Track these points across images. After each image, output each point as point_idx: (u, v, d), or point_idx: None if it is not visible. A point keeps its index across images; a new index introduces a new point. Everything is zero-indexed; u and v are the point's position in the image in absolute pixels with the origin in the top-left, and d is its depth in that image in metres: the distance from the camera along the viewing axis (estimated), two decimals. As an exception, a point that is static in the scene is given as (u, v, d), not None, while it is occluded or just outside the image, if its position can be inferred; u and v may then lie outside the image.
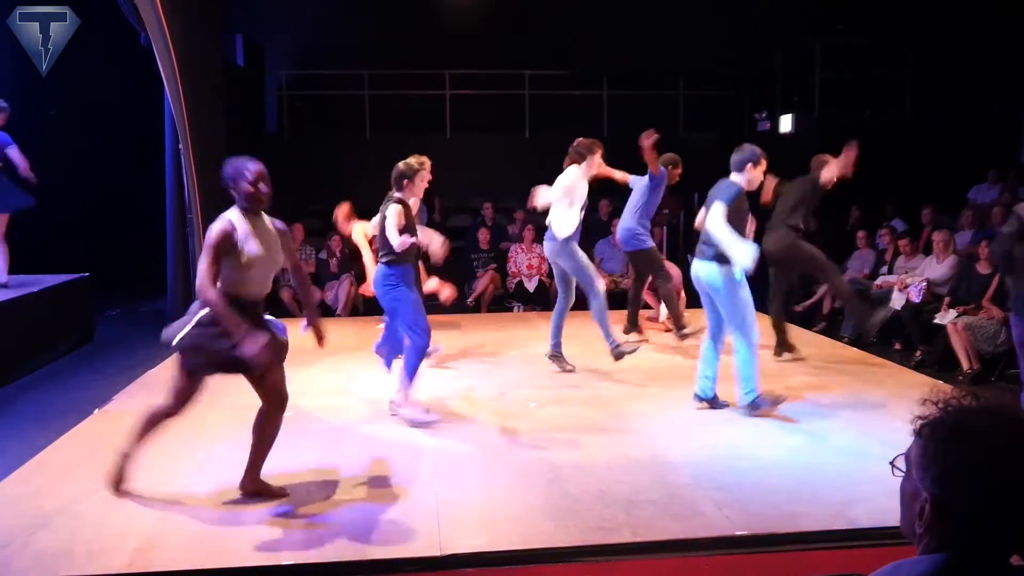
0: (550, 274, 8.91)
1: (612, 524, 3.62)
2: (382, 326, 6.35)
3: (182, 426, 4.75)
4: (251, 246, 3.68)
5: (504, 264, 10.06)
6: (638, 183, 7.01)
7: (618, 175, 7.00)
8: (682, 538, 3.51)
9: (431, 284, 6.12)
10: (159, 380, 5.19)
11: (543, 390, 5.89)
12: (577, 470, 4.27)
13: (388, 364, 5.83)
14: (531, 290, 9.82)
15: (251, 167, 3.75)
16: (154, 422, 3.88)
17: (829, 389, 5.83)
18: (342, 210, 6.98)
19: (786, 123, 12.41)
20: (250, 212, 3.75)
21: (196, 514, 3.76)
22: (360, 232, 6.78)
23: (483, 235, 10.20)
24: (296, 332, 4.14)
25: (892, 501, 1.47)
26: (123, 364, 6.70)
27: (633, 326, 7.43)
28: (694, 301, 5.77)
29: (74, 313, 7.72)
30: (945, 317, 6.86)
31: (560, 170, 6.20)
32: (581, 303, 6.41)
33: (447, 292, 6.04)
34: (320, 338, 4.11)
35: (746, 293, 5.10)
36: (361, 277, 8.56)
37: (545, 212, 6.30)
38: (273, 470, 4.04)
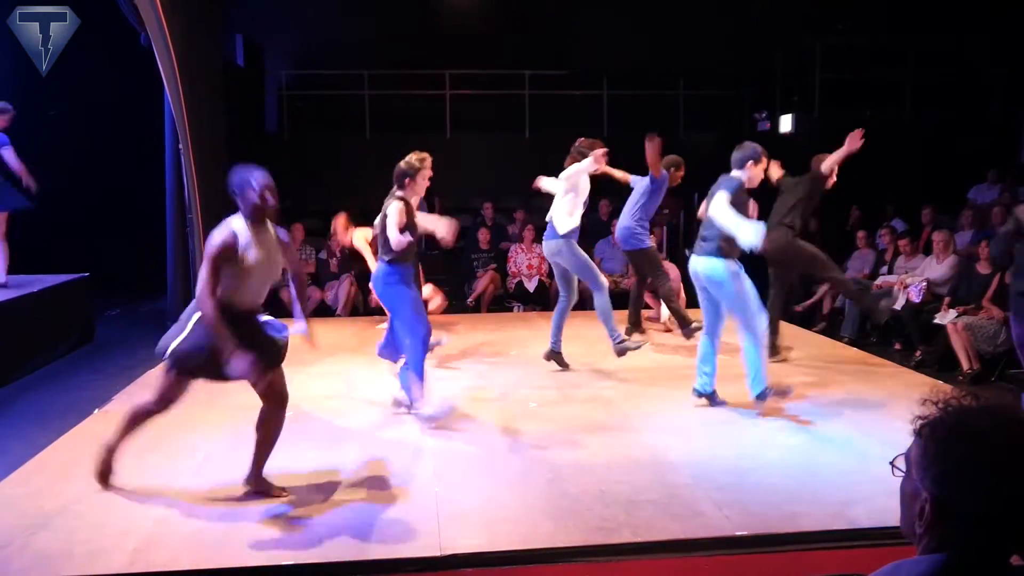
0: (550, 274, 8.91)
1: (612, 524, 3.62)
2: (383, 326, 6.36)
3: (182, 426, 4.77)
4: (251, 257, 3.69)
5: (504, 264, 10.06)
6: (639, 183, 7.01)
7: (618, 174, 7.00)
8: (682, 538, 3.51)
9: (425, 291, 6.12)
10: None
11: (543, 390, 5.89)
12: (577, 470, 4.27)
13: (395, 358, 5.78)
14: (531, 290, 9.82)
15: (258, 178, 3.74)
16: (137, 419, 3.95)
17: (829, 389, 5.84)
18: (339, 221, 6.98)
19: (786, 123, 12.42)
20: (254, 222, 3.75)
21: (196, 514, 3.76)
22: (360, 238, 6.78)
23: (483, 235, 10.20)
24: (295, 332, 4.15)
25: (892, 501, 1.47)
26: (123, 364, 6.70)
27: (635, 327, 7.42)
28: (693, 301, 5.77)
29: (74, 313, 7.72)
30: (945, 317, 6.86)
31: (560, 170, 6.21)
32: (581, 304, 6.41)
33: (438, 302, 6.06)
34: (311, 340, 4.12)
35: (748, 284, 5.14)
36: (362, 278, 8.57)
37: (545, 209, 6.31)
38: (273, 470, 4.04)
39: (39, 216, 7.39)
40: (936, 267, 7.55)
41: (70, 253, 8.53)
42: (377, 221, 5.28)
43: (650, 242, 7.12)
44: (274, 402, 3.92)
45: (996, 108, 12.58)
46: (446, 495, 3.95)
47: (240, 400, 4.35)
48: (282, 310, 8.45)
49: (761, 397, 5.19)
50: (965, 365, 6.61)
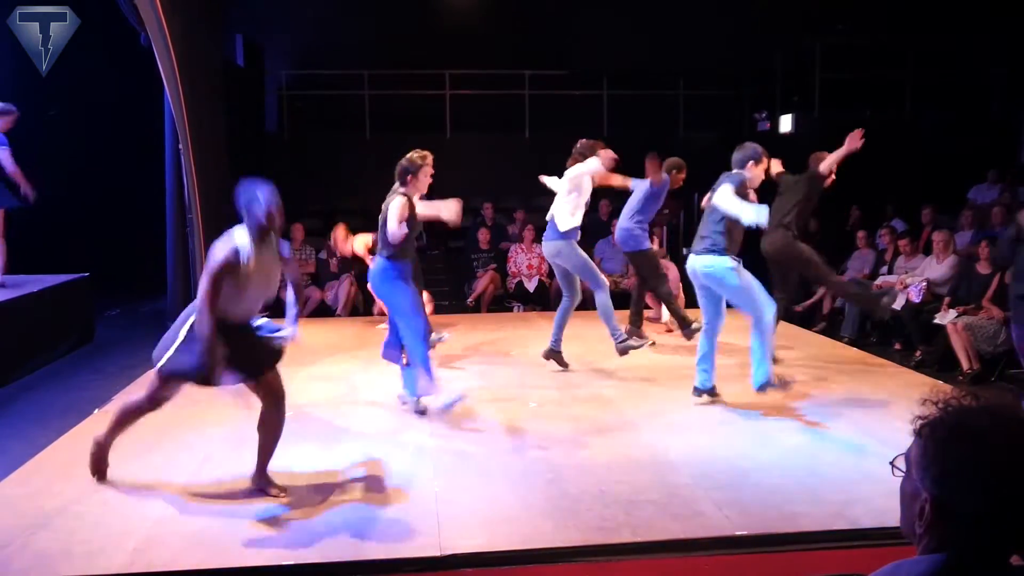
0: (550, 274, 8.91)
1: (612, 524, 3.62)
2: (383, 326, 6.35)
3: (182, 426, 4.78)
4: (251, 273, 3.71)
5: (504, 264, 10.06)
6: (639, 185, 7.00)
7: (617, 181, 6.96)
8: (682, 538, 3.51)
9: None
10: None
11: (543, 390, 5.89)
12: (577, 470, 4.27)
13: (399, 361, 5.74)
14: (531, 290, 9.82)
15: (265, 198, 3.73)
16: (128, 416, 4.05)
17: (829, 389, 5.84)
18: (338, 232, 6.98)
19: (786, 123, 12.41)
20: (258, 238, 3.75)
21: (196, 514, 3.76)
22: (361, 244, 6.77)
23: (483, 235, 10.20)
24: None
25: (892, 501, 1.47)
26: (123, 364, 6.70)
27: (636, 328, 7.40)
28: (693, 301, 5.77)
29: (74, 313, 7.72)
30: (945, 317, 6.86)
31: (560, 171, 6.21)
32: (581, 303, 6.41)
33: (428, 309, 6.05)
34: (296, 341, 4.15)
35: (748, 276, 5.17)
36: (362, 278, 8.56)
37: (545, 208, 6.31)
38: (273, 470, 4.05)
39: (39, 216, 7.38)
40: (936, 267, 7.55)
41: (70, 253, 8.53)
42: (380, 219, 5.28)
43: (649, 244, 7.12)
44: (272, 402, 3.96)
45: (996, 108, 12.58)
46: (446, 495, 3.95)
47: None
48: (283, 310, 8.47)
49: (761, 389, 5.23)
50: (965, 365, 6.62)
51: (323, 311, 9.24)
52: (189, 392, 3.95)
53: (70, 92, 9.13)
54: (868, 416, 5.15)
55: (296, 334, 4.05)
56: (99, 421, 5.17)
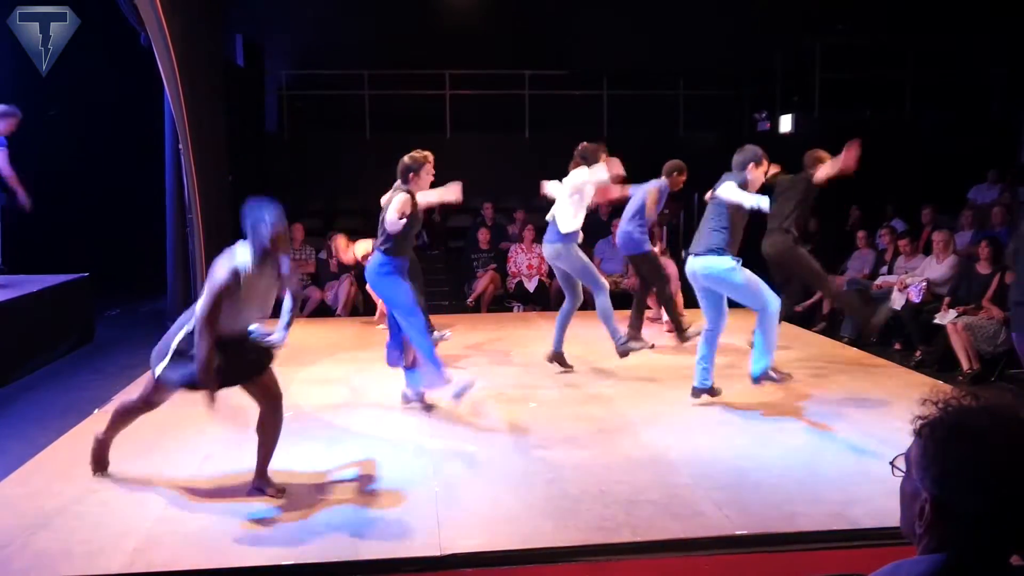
0: (550, 274, 8.91)
1: (612, 524, 3.62)
2: (383, 327, 6.35)
3: (183, 425, 4.77)
4: (250, 292, 3.72)
5: (504, 264, 10.06)
6: (638, 189, 6.98)
7: (616, 193, 6.93)
8: (682, 538, 3.51)
9: None
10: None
11: (543, 390, 5.89)
12: (577, 470, 4.27)
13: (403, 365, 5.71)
14: (531, 290, 9.82)
15: (272, 221, 3.71)
16: (125, 416, 4.14)
17: (829, 389, 5.84)
18: (339, 242, 6.99)
19: (786, 123, 12.41)
20: (260, 259, 3.74)
21: (196, 514, 3.76)
22: (362, 251, 6.76)
23: (483, 235, 10.20)
24: (296, 333, 4.16)
25: (892, 501, 1.47)
26: (123, 364, 6.69)
27: (635, 332, 7.34)
28: (692, 301, 5.77)
29: (74, 313, 7.72)
30: (945, 317, 6.86)
31: (560, 170, 6.21)
32: (582, 304, 6.41)
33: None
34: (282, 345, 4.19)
35: (748, 273, 5.19)
36: (362, 278, 8.56)
37: (545, 209, 6.31)
38: (273, 469, 4.04)
39: (39, 216, 7.37)
40: (936, 267, 7.55)
41: (70, 253, 8.53)
42: (381, 217, 5.28)
43: (650, 246, 7.10)
44: (269, 403, 3.98)
45: (996, 108, 12.58)
46: (446, 495, 3.95)
47: (240, 400, 4.34)
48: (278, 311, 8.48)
49: (757, 380, 5.26)
50: (965, 365, 6.61)
51: (323, 311, 9.24)
52: (190, 392, 3.94)
53: (70, 92, 9.13)
54: (868, 416, 5.15)
55: (284, 341, 4.07)
56: (99, 421, 5.18)
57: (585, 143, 6.21)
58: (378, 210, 5.28)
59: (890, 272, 8.30)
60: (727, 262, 5.12)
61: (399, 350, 5.42)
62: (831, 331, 8.27)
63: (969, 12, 11.56)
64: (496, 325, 8.51)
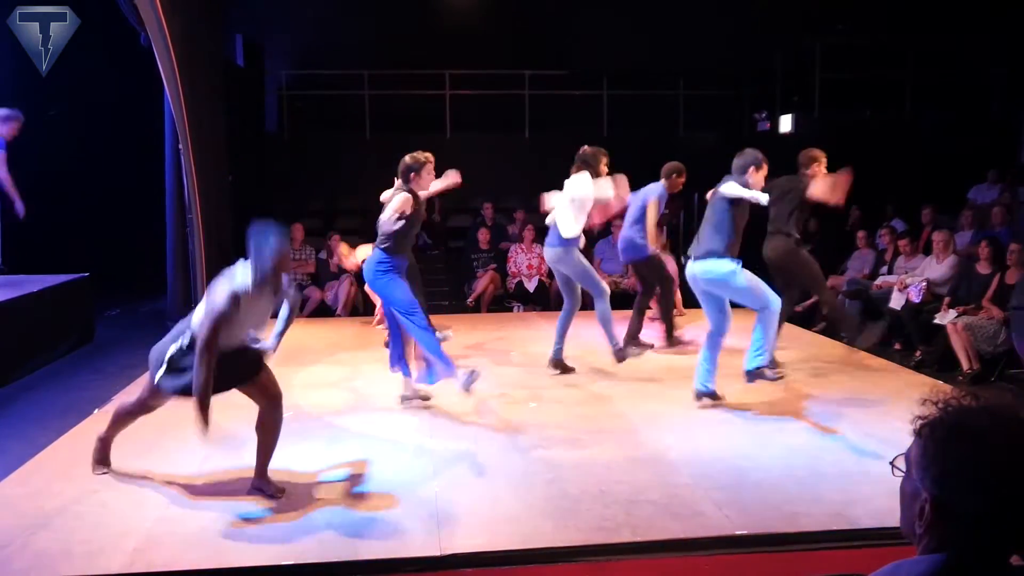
0: (550, 274, 8.89)
1: (612, 524, 3.62)
2: (383, 327, 6.34)
3: (183, 425, 4.76)
4: (248, 311, 3.73)
5: (504, 264, 10.06)
6: (637, 195, 6.97)
7: (615, 210, 6.89)
8: (682, 538, 3.51)
9: None
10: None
11: (543, 390, 5.89)
12: (577, 470, 4.27)
13: (404, 369, 5.64)
14: (531, 290, 9.82)
15: (275, 246, 3.70)
16: (121, 418, 4.21)
17: (829, 389, 5.84)
18: (340, 249, 7.00)
19: (786, 123, 12.41)
20: (260, 281, 3.74)
21: (196, 514, 3.76)
22: (364, 255, 6.76)
23: (483, 235, 10.20)
24: (296, 333, 4.16)
25: (892, 501, 1.47)
26: (123, 364, 6.69)
27: (632, 338, 7.28)
28: (693, 301, 5.77)
29: (74, 313, 7.71)
30: (945, 317, 6.86)
31: (560, 171, 6.20)
32: (582, 304, 6.40)
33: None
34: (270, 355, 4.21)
35: (749, 274, 5.20)
36: (362, 278, 8.56)
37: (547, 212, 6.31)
38: (273, 469, 4.05)
39: (39, 216, 7.38)
40: (936, 267, 7.55)
41: (70, 253, 8.52)
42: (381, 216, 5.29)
43: (652, 249, 7.08)
44: (268, 402, 3.99)
45: (996, 108, 12.58)
46: (446, 495, 3.95)
47: (240, 400, 4.34)
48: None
49: (750, 375, 5.29)
50: (965, 365, 6.61)
51: (323, 311, 9.24)
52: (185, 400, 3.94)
53: (70, 92, 9.13)
54: (868, 416, 5.15)
55: (275, 348, 4.10)
56: (99, 421, 5.18)
57: (586, 147, 6.20)
58: (378, 210, 5.28)
59: (890, 272, 8.30)
60: (727, 265, 5.12)
61: (400, 353, 5.41)
62: (831, 331, 8.26)
63: (969, 12, 11.56)
64: (496, 325, 8.51)
